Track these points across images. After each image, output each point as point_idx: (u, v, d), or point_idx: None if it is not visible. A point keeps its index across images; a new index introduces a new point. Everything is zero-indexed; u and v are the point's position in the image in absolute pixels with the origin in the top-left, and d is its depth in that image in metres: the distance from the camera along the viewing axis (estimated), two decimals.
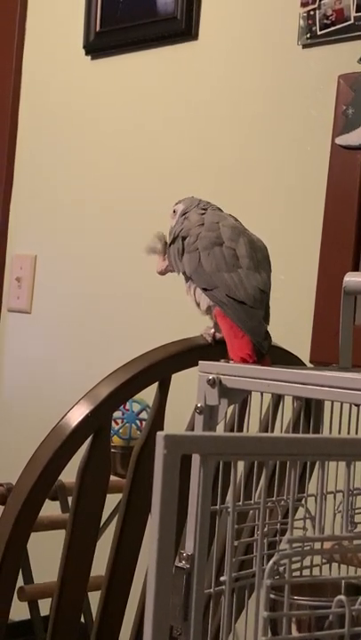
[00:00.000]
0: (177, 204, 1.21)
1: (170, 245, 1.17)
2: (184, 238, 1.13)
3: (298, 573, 0.93)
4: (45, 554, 1.37)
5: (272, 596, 0.66)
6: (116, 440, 1.59)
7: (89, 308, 2.09)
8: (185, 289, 1.15)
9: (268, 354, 1.03)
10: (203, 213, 1.15)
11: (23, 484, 1.03)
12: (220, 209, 1.19)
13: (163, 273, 1.20)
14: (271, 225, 1.67)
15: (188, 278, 1.13)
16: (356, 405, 1.01)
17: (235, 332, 1.04)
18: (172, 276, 1.20)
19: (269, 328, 1.07)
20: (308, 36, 1.65)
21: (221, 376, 0.92)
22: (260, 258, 1.10)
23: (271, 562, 0.64)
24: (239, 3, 1.82)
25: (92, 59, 2.13)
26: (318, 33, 1.64)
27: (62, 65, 2.21)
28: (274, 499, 0.97)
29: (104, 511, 1.10)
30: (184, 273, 1.14)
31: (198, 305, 1.12)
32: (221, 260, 1.08)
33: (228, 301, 1.05)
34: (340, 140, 1.59)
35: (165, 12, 1.92)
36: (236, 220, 1.16)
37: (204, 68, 1.88)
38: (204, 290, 1.09)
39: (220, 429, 0.98)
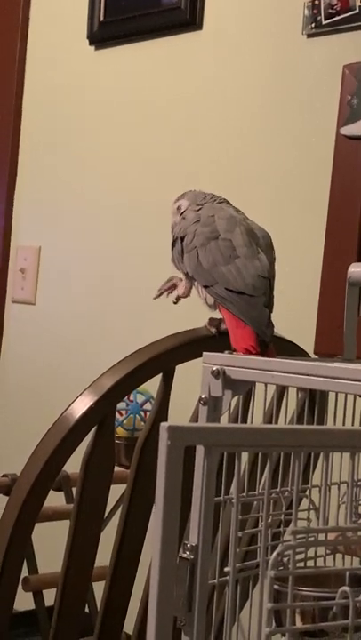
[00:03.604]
0: (178, 199, 1.20)
1: (172, 249, 1.16)
2: (182, 239, 1.13)
3: (302, 564, 0.93)
4: (50, 544, 1.37)
5: (276, 587, 0.66)
6: (120, 431, 1.59)
7: (93, 298, 2.09)
8: (194, 290, 1.14)
9: (271, 343, 1.03)
10: (199, 209, 1.14)
11: (27, 475, 1.03)
12: (226, 201, 1.18)
13: (185, 295, 1.18)
14: (275, 216, 1.67)
15: (191, 278, 1.13)
16: (360, 396, 1.01)
17: (236, 323, 1.04)
18: (174, 269, 1.19)
19: (274, 318, 1.07)
20: (313, 25, 1.65)
21: (225, 367, 0.92)
22: (261, 245, 1.10)
23: (275, 553, 0.64)
24: None
25: (96, 49, 2.12)
26: (323, 22, 1.63)
27: (66, 55, 2.20)
28: (278, 490, 0.97)
29: (108, 502, 1.10)
30: (186, 274, 1.14)
31: (206, 301, 1.12)
32: (218, 253, 1.08)
33: (228, 295, 1.05)
34: (345, 131, 1.58)
35: (169, 1, 1.91)
36: (238, 210, 1.15)
37: (209, 59, 1.87)
38: (205, 287, 1.09)
39: (224, 420, 0.98)
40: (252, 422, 1.11)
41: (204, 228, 1.10)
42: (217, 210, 1.13)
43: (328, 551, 0.96)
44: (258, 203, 1.64)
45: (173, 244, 1.16)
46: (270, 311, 1.06)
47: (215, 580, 0.88)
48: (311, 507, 0.94)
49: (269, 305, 1.06)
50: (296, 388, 1.02)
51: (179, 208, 1.19)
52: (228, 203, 1.18)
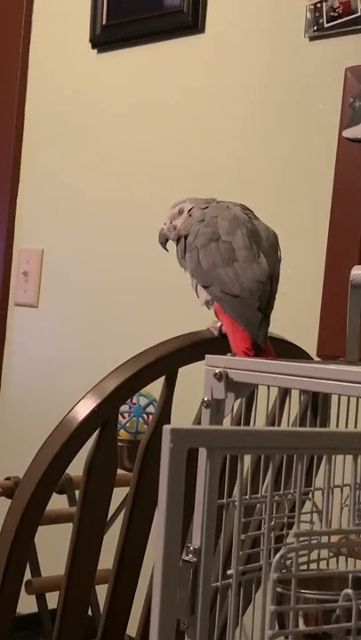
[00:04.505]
0: (179, 203, 1.20)
1: (177, 245, 1.17)
2: (185, 237, 1.14)
3: (305, 567, 0.93)
4: (53, 547, 1.37)
5: (279, 589, 0.66)
6: (122, 434, 1.59)
7: (96, 301, 2.09)
8: (190, 285, 1.15)
9: (266, 345, 1.03)
10: (205, 208, 1.15)
11: (30, 478, 1.03)
12: (233, 203, 1.18)
13: None
14: (278, 218, 1.66)
15: (191, 275, 1.14)
16: None
17: (235, 327, 1.05)
18: (179, 271, 1.20)
19: (276, 321, 1.07)
20: (315, 28, 1.65)
21: (228, 370, 0.92)
22: (263, 247, 1.10)
23: (278, 555, 0.64)
24: None
25: (99, 52, 2.12)
26: (325, 25, 1.63)
27: (68, 58, 2.21)
28: (281, 492, 0.97)
29: (111, 505, 1.10)
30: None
31: (200, 299, 1.13)
32: (217, 255, 1.08)
33: (224, 296, 1.05)
34: (348, 133, 1.58)
35: (172, 5, 1.91)
36: (246, 208, 1.15)
37: (211, 62, 1.87)
38: (203, 286, 1.10)
39: (226, 423, 0.98)
40: (254, 425, 1.11)
41: (207, 228, 1.11)
42: (221, 210, 1.13)
43: (331, 554, 0.96)
44: (260, 205, 1.64)
45: (177, 242, 1.16)
46: (269, 313, 1.06)
47: (218, 583, 0.88)
48: (314, 509, 0.94)
49: (268, 307, 1.06)
50: (299, 391, 1.02)
51: (180, 211, 1.19)
52: (237, 205, 1.18)
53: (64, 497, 1.53)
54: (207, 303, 1.11)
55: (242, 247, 1.08)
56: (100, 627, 1.13)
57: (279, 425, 1.14)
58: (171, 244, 1.22)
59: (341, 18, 1.61)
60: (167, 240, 1.22)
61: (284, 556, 0.64)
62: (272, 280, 1.08)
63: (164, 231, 1.21)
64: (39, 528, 1.06)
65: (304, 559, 0.93)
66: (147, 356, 1.10)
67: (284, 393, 1.12)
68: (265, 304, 1.06)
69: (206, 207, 1.15)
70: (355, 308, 1.06)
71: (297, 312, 1.62)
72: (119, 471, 1.12)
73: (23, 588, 1.25)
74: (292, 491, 0.97)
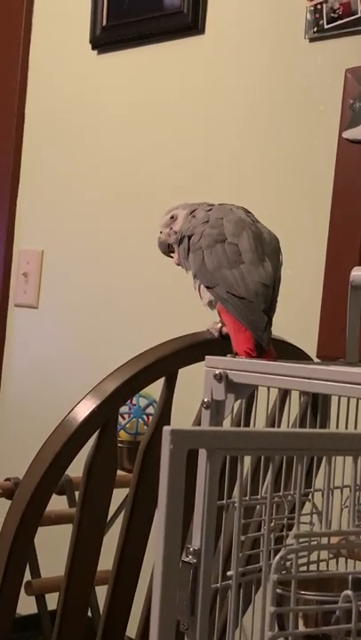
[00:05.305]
0: (172, 210, 1.20)
1: (179, 245, 1.17)
2: (189, 237, 1.13)
3: (305, 568, 0.93)
4: (52, 548, 1.37)
5: (279, 590, 0.66)
6: (122, 435, 1.59)
7: (96, 302, 2.09)
8: (193, 286, 1.15)
9: (268, 346, 1.03)
10: (209, 210, 1.15)
11: (30, 479, 1.03)
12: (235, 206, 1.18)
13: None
14: (278, 219, 1.66)
15: (194, 276, 1.13)
16: None
17: (237, 327, 1.04)
18: (180, 272, 1.20)
19: (277, 322, 1.07)
20: (316, 29, 1.65)
21: (228, 371, 0.92)
22: (267, 250, 1.10)
23: (278, 557, 0.64)
24: None
25: (99, 53, 2.13)
26: (325, 27, 1.63)
27: (69, 59, 2.21)
28: (281, 493, 0.97)
29: (111, 506, 1.10)
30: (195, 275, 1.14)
31: (203, 300, 1.12)
32: (223, 257, 1.08)
33: (229, 297, 1.05)
34: (348, 135, 1.58)
35: (172, 6, 1.91)
36: (248, 212, 1.15)
37: (211, 63, 1.88)
38: (207, 287, 1.09)
39: (226, 424, 0.98)
40: (254, 426, 1.11)
41: (212, 229, 1.11)
42: (226, 212, 1.13)
43: (331, 555, 0.96)
44: (260, 205, 1.64)
45: (180, 242, 1.16)
46: (271, 316, 1.06)
47: (218, 584, 0.88)
48: (314, 510, 0.94)
49: (270, 310, 1.06)
50: (299, 392, 1.02)
51: (173, 217, 1.19)
52: (239, 208, 1.17)
53: (64, 498, 1.54)
54: (210, 304, 1.11)
55: (248, 250, 1.08)
56: (100, 627, 1.13)
57: (279, 426, 1.14)
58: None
59: (342, 19, 1.61)
60: (169, 246, 1.21)
61: (284, 557, 0.64)
62: (275, 283, 1.09)
63: (162, 239, 1.21)
64: (39, 529, 1.06)
65: (304, 560, 0.93)
66: (147, 356, 1.10)
67: (284, 394, 1.12)
68: (268, 307, 1.06)
69: (210, 209, 1.15)
70: (355, 309, 1.06)
71: (297, 313, 1.62)
72: (119, 472, 1.12)
73: (23, 589, 1.25)
74: (292, 492, 0.97)
